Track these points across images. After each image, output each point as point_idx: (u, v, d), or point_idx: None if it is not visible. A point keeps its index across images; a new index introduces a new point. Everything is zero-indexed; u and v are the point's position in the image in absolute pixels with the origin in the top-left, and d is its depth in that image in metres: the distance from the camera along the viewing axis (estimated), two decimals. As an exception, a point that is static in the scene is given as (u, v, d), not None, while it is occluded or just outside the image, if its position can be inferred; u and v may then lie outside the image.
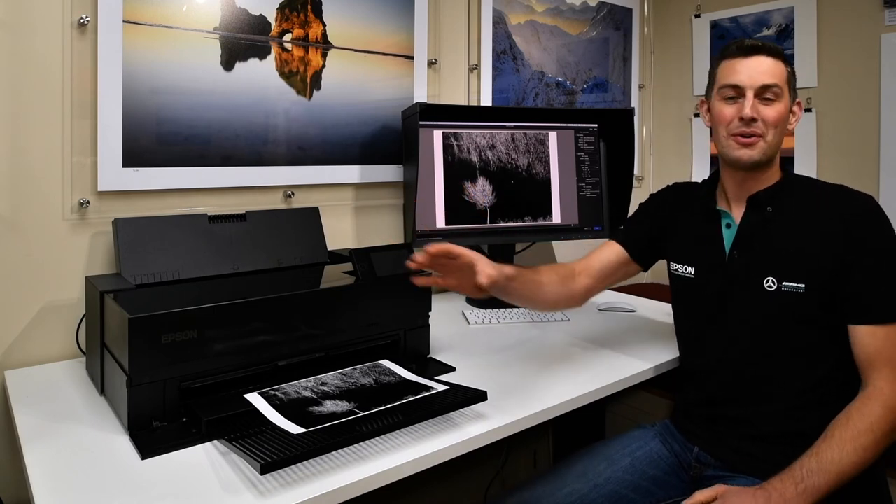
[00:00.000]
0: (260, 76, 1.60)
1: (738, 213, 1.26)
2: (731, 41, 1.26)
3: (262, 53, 1.60)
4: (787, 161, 2.28)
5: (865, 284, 1.11)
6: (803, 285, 1.14)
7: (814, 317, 1.15)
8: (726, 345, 1.24)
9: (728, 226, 1.27)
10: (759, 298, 1.18)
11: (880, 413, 1.05)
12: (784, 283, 1.16)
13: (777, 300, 1.17)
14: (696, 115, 2.50)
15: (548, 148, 1.91)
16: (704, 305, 1.28)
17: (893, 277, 1.11)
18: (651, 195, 1.48)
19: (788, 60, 1.22)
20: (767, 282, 1.18)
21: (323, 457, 0.91)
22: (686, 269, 1.32)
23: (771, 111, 1.18)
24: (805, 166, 2.26)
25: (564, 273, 1.36)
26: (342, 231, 1.79)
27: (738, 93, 1.20)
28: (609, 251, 1.41)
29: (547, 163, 1.90)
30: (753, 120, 1.17)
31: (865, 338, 1.11)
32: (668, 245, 1.38)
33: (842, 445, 1.03)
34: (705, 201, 1.31)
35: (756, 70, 1.18)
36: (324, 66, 1.71)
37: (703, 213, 1.31)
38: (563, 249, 2.35)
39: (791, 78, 1.22)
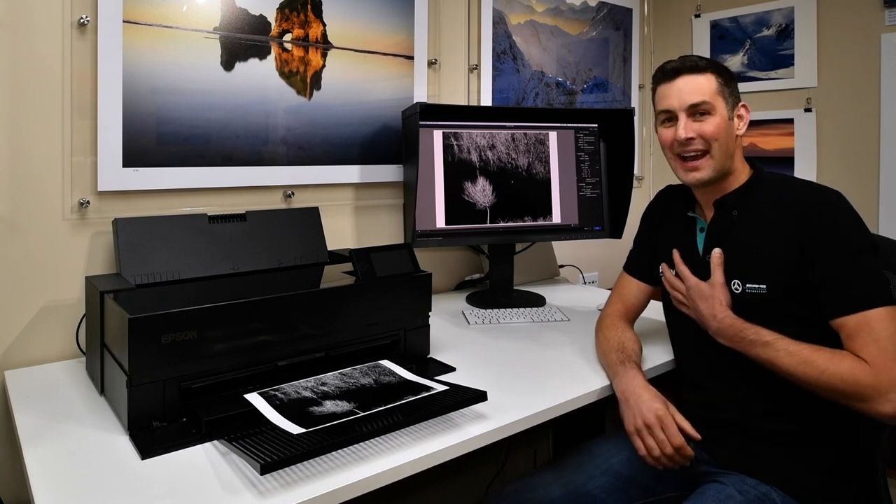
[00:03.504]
0: (260, 76, 1.60)
1: (709, 216, 1.28)
2: (661, 65, 1.29)
3: (262, 53, 1.60)
4: (787, 161, 2.28)
5: (831, 277, 1.10)
6: (764, 286, 1.15)
7: (783, 315, 1.14)
8: (710, 347, 1.24)
9: (702, 230, 1.30)
10: (731, 300, 1.19)
11: (846, 366, 1.05)
12: (748, 286, 1.18)
13: (743, 302, 1.18)
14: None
15: (548, 148, 1.91)
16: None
17: (858, 268, 1.10)
18: (645, 210, 1.50)
19: (719, 69, 1.24)
20: (734, 284, 1.19)
21: (323, 457, 0.92)
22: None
23: (707, 126, 1.21)
24: (805, 166, 2.26)
25: (631, 325, 1.43)
26: (342, 231, 1.79)
27: (672, 116, 1.25)
28: (633, 288, 1.46)
29: (547, 163, 1.90)
30: (690, 139, 1.22)
31: (841, 329, 1.09)
32: (659, 250, 1.40)
33: (793, 346, 1.08)
34: (681, 207, 1.35)
35: (683, 91, 1.22)
36: (324, 66, 1.71)
37: (680, 219, 1.34)
38: (563, 249, 2.35)
39: (723, 87, 1.23)
